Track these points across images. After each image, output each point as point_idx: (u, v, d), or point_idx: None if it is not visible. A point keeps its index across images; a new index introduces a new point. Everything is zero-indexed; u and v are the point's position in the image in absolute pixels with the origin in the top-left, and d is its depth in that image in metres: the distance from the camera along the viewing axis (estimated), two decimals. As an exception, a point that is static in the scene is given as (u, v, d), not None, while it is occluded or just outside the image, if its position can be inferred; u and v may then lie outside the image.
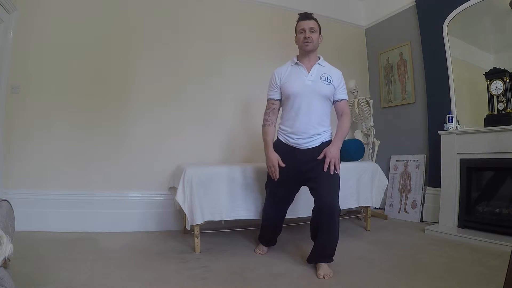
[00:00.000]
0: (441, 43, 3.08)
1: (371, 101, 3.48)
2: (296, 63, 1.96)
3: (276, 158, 1.92)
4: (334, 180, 1.86)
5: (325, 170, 1.82)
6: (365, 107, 3.45)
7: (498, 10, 2.76)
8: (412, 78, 3.54)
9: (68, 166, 2.71)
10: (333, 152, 1.82)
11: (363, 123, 3.52)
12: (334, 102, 1.96)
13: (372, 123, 3.45)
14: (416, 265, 1.92)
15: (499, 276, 1.62)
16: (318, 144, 1.88)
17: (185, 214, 2.18)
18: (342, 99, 1.95)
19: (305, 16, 1.92)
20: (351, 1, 4.15)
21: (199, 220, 2.13)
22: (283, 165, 1.91)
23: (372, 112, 3.46)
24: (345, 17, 4.04)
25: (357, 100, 3.49)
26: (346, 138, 3.37)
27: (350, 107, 3.60)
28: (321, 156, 1.84)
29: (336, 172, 1.85)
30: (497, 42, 2.89)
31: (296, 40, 1.96)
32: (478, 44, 3.03)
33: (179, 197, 2.15)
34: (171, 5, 3.11)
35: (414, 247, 2.33)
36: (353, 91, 3.54)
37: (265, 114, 2.03)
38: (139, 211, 2.80)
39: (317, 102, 1.88)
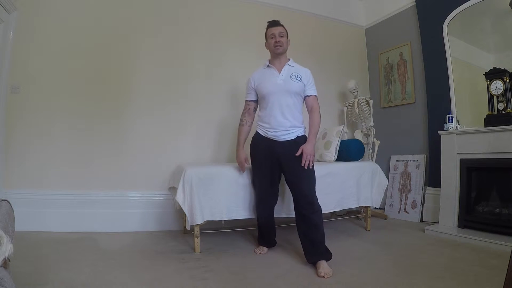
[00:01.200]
0: (441, 43, 3.08)
1: (371, 101, 3.48)
2: (268, 66, 2.15)
3: (243, 156, 2.20)
4: (310, 173, 2.01)
5: (303, 165, 1.97)
6: (365, 107, 3.45)
7: (498, 10, 2.76)
8: (412, 78, 3.54)
9: (68, 166, 2.71)
10: (309, 149, 1.97)
11: (363, 123, 3.52)
12: (305, 98, 2.12)
13: (372, 123, 3.45)
14: (416, 265, 1.92)
15: (499, 276, 1.62)
16: (294, 138, 2.05)
17: (185, 214, 2.18)
18: (311, 95, 2.10)
19: (274, 23, 2.11)
20: (351, 1, 4.15)
21: (199, 220, 2.13)
22: (249, 165, 2.23)
23: (372, 112, 3.47)
24: (345, 17, 4.04)
25: (357, 100, 3.49)
26: (346, 138, 3.39)
27: (350, 107, 3.60)
28: (299, 152, 1.98)
29: (310, 167, 1.99)
30: (497, 42, 2.89)
31: (267, 45, 2.14)
32: (478, 44, 3.03)
33: (179, 197, 2.15)
34: (171, 5, 3.11)
35: (414, 247, 2.33)
36: (353, 91, 3.54)
37: (242, 114, 2.27)
38: (139, 211, 2.80)
39: (288, 98, 2.05)
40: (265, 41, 2.17)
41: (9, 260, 0.96)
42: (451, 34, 3.03)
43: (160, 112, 2.98)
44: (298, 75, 2.07)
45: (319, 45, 3.82)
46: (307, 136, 2.07)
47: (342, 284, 1.66)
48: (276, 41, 2.05)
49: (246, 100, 2.25)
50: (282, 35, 2.07)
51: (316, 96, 2.12)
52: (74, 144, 2.74)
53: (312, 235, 1.93)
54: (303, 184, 1.98)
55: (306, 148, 1.96)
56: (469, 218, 2.64)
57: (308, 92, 2.09)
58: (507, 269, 1.10)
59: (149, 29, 3.01)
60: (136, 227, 2.75)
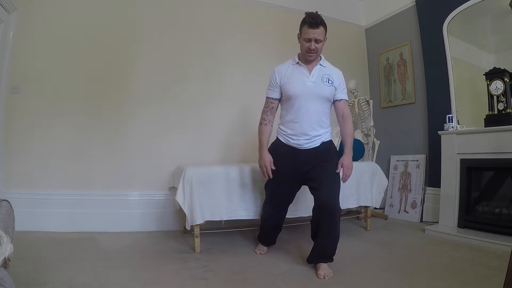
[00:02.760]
0: (441, 43, 3.07)
1: (371, 101, 3.48)
2: (298, 63, 1.91)
3: (268, 159, 1.93)
4: (334, 180, 1.87)
5: (343, 181, 1.89)
6: (365, 107, 3.45)
7: (498, 10, 2.76)
8: (412, 78, 3.54)
9: (68, 166, 2.71)
10: (349, 163, 1.87)
11: (363, 123, 3.52)
12: (334, 102, 1.95)
13: (372, 123, 3.45)
14: (416, 265, 1.92)
15: (499, 276, 1.62)
16: (318, 145, 1.88)
17: (185, 214, 2.18)
18: (342, 99, 1.94)
19: (314, 23, 1.78)
20: (351, 1, 4.15)
21: (199, 220, 2.13)
22: (273, 167, 1.93)
23: (372, 112, 3.46)
24: (345, 17, 4.04)
25: (357, 100, 3.49)
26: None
27: (350, 107, 3.60)
28: (339, 169, 1.88)
29: (337, 172, 1.89)
30: (497, 42, 2.89)
31: (300, 43, 1.88)
32: (478, 44, 3.03)
33: (179, 197, 2.15)
34: (171, 5, 3.11)
35: (414, 247, 2.33)
36: (353, 91, 3.54)
37: (263, 112, 2.02)
38: (139, 211, 2.80)
39: (317, 104, 1.87)
40: (298, 33, 1.89)
41: (9, 260, 0.96)
42: (451, 34, 3.03)
43: (160, 112, 2.98)
44: (330, 78, 1.87)
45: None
46: (332, 140, 1.95)
47: (342, 284, 1.66)
48: (310, 48, 1.80)
49: (268, 97, 1.99)
50: (319, 41, 1.80)
51: (347, 100, 1.95)
52: (74, 144, 2.73)
53: (329, 240, 1.81)
54: (330, 191, 1.81)
55: (346, 162, 1.84)
56: (469, 218, 2.64)
57: (339, 96, 1.91)
58: (507, 269, 1.10)
59: (148, 29, 3.01)
60: (136, 227, 2.75)
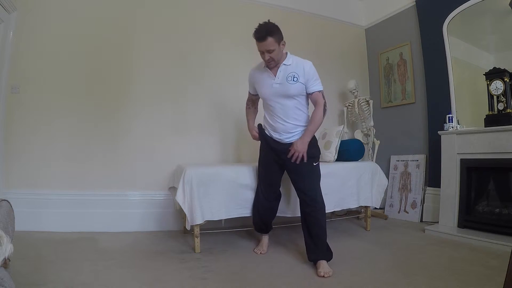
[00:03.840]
0: (441, 43, 3.08)
1: (371, 101, 3.48)
2: (265, 67, 1.99)
3: (254, 130, 2.20)
4: (313, 171, 1.99)
5: (289, 157, 1.94)
6: (365, 107, 3.45)
7: (498, 10, 2.76)
8: (412, 78, 3.54)
9: (68, 166, 2.71)
10: (299, 146, 1.91)
11: (363, 123, 3.52)
12: (309, 96, 2.00)
13: (372, 123, 3.45)
14: (416, 265, 1.92)
15: (499, 276, 1.62)
16: (297, 138, 1.98)
17: (185, 214, 2.18)
18: (314, 91, 1.95)
19: (260, 37, 1.84)
20: (351, 1, 4.15)
21: (199, 220, 2.13)
22: (258, 132, 2.17)
23: (372, 112, 3.46)
24: (345, 17, 4.04)
25: (357, 100, 3.49)
26: (346, 138, 3.39)
27: (350, 107, 3.60)
28: (290, 154, 1.94)
29: (304, 161, 1.94)
30: (497, 42, 2.89)
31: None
32: (478, 44, 3.03)
33: (179, 197, 2.15)
34: (171, 5, 3.11)
35: (414, 247, 2.33)
36: (353, 91, 3.54)
37: (247, 100, 2.31)
38: (139, 211, 2.80)
39: (287, 101, 1.96)
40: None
41: (9, 260, 0.96)
42: (451, 34, 3.03)
43: (160, 112, 2.98)
44: (295, 75, 1.91)
45: (319, 45, 3.81)
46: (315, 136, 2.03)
47: (342, 284, 1.66)
48: (265, 60, 1.90)
49: (249, 92, 2.25)
50: (270, 50, 1.85)
51: (320, 91, 1.96)
52: (74, 144, 2.73)
53: (314, 232, 1.93)
54: (306, 183, 1.97)
55: (296, 145, 1.91)
56: (469, 218, 2.64)
57: (311, 89, 1.94)
58: (507, 269, 1.10)
59: (148, 29, 3.01)
60: (136, 227, 2.75)
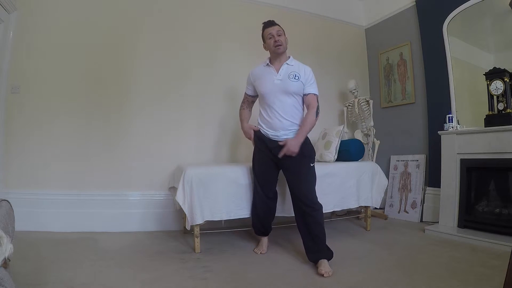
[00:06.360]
0: (441, 43, 3.08)
1: (371, 101, 3.48)
2: (267, 64, 2.12)
3: (248, 128, 2.19)
4: (309, 172, 2.02)
5: (279, 156, 1.97)
6: (365, 107, 3.45)
7: (498, 10, 2.76)
8: (412, 78, 3.54)
9: (68, 166, 2.71)
10: (292, 145, 1.93)
11: (363, 123, 3.52)
12: (304, 96, 2.07)
13: (372, 123, 3.45)
14: (416, 265, 1.92)
15: (499, 276, 1.62)
16: (292, 136, 2.01)
17: (185, 214, 2.18)
18: (309, 93, 2.04)
19: (269, 23, 2.09)
20: (351, 1, 4.15)
21: (199, 220, 2.13)
22: (256, 129, 2.16)
23: (372, 112, 3.47)
24: (345, 17, 4.04)
25: (357, 100, 3.49)
26: (346, 138, 3.39)
27: (350, 107, 3.60)
28: (281, 154, 1.96)
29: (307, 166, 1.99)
30: (497, 42, 2.89)
31: (267, 46, 2.12)
32: (478, 44, 3.03)
33: (179, 197, 2.15)
34: (171, 5, 3.11)
35: (414, 247, 2.33)
36: (353, 91, 3.54)
37: (242, 102, 2.33)
38: (139, 211, 2.80)
39: (286, 98, 2.03)
40: (263, 43, 2.15)
41: (9, 260, 0.96)
42: (451, 34, 3.03)
43: (160, 112, 2.98)
44: (297, 74, 2.03)
45: (319, 45, 3.81)
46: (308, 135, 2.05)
47: (342, 284, 1.66)
48: (275, 41, 2.02)
49: (245, 93, 2.29)
50: (280, 33, 2.04)
51: (315, 94, 2.05)
52: (74, 144, 2.73)
53: (314, 232, 1.94)
54: (303, 183, 1.98)
55: (289, 144, 1.93)
56: (469, 218, 2.64)
57: (307, 91, 2.04)
58: (507, 269, 1.10)
59: (148, 29, 3.01)
60: (136, 227, 2.75)
